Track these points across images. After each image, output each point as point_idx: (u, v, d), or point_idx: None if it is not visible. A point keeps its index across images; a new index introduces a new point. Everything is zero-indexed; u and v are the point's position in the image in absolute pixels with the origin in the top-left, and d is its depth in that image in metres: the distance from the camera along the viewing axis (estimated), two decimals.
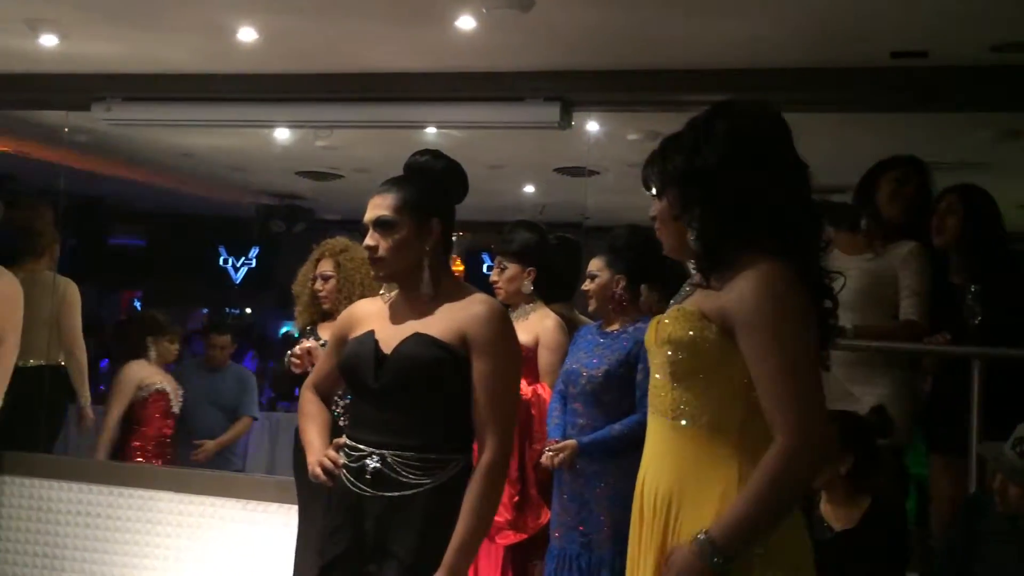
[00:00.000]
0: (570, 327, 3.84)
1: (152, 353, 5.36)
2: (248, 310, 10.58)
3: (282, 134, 6.18)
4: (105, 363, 8.17)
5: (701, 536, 1.93)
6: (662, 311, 2.19)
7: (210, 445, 5.52)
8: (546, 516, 3.60)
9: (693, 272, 2.15)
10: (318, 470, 2.47)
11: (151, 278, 9.87)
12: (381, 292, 2.65)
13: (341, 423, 3.31)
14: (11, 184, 6.83)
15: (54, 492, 4.75)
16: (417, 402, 2.41)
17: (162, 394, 5.26)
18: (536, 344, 3.75)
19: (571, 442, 3.42)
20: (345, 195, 7.75)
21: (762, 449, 1.93)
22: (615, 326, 3.55)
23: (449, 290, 2.50)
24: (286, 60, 4.82)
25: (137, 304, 10.48)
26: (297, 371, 3.62)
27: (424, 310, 2.48)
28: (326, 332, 3.69)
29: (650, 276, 3.55)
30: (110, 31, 4.57)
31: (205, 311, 9.85)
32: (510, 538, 3.63)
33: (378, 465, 2.39)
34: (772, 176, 2.03)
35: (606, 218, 5.82)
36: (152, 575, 4.58)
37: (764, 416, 1.94)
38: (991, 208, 3.71)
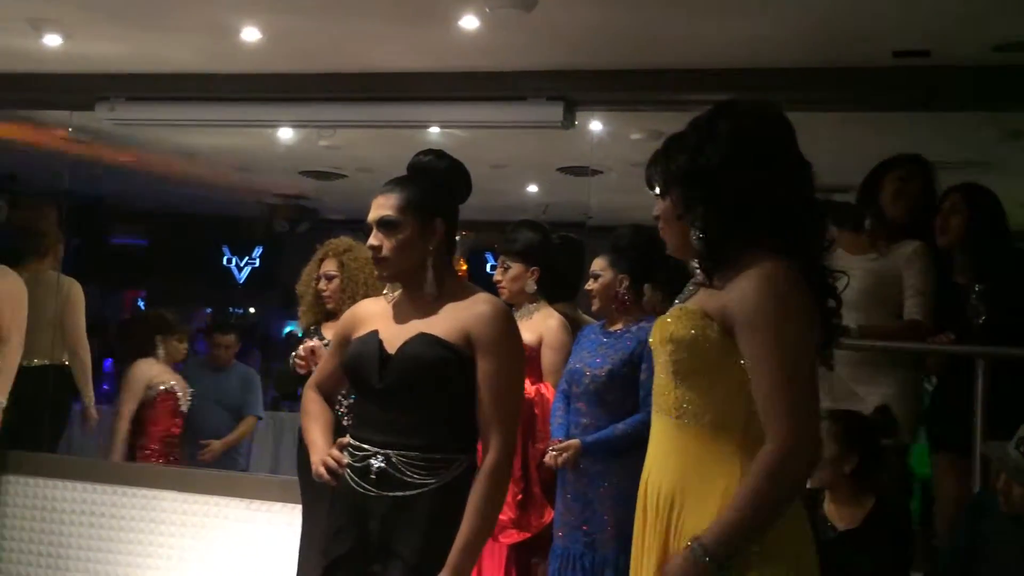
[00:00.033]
0: (573, 327, 3.84)
1: (161, 352, 5.35)
2: (251, 310, 10.58)
3: (285, 134, 6.18)
4: (108, 363, 8.18)
5: (694, 544, 1.93)
6: (665, 311, 2.20)
7: (217, 445, 5.53)
8: (549, 515, 3.60)
9: (696, 271, 2.15)
10: (322, 469, 2.47)
11: (154, 278, 9.88)
12: (384, 292, 2.65)
13: (345, 423, 3.31)
14: (14, 184, 6.84)
15: (58, 491, 4.75)
16: (421, 402, 2.41)
17: (171, 393, 5.25)
18: (539, 344, 3.75)
19: (574, 441, 3.42)
20: (348, 195, 7.75)
21: None
22: (618, 325, 3.55)
23: (453, 290, 2.51)
24: (290, 60, 4.83)
25: (141, 304, 10.49)
26: (302, 371, 3.62)
27: (428, 310, 2.48)
28: (330, 332, 3.69)
29: (653, 275, 3.55)
30: (114, 31, 4.58)
31: (208, 311, 9.85)
32: (513, 537, 3.64)
33: (382, 465, 2.40)
34: (775, 175, 2.03)
35: (609, 218, 5.82)
36: (156, 574, 4.58)
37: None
38: (995, 207, 3.70)
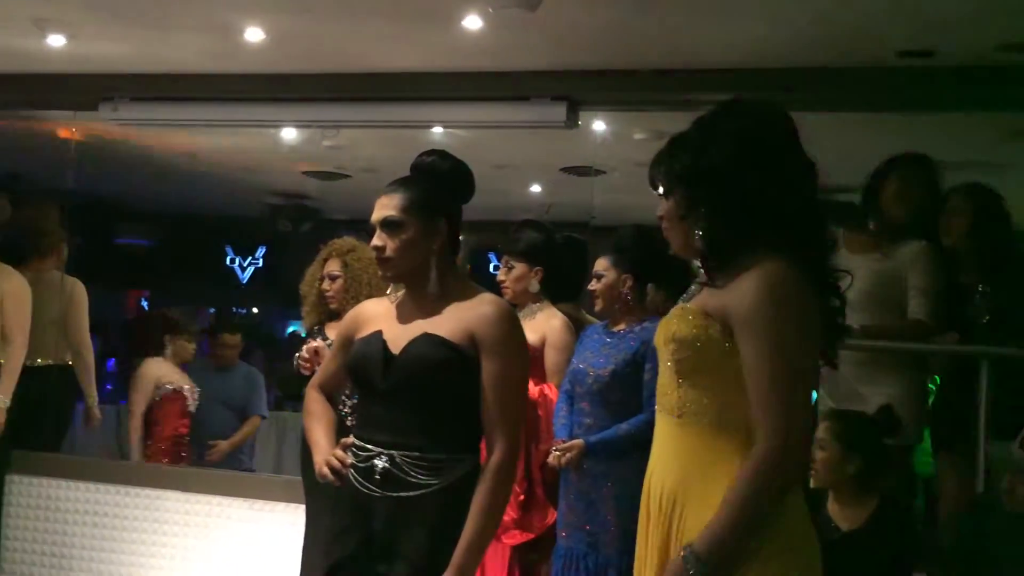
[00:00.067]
0: (577, 327, 3.83)
1: (169, 351, 5.35)
2: (254, 310, 10.59)
3: (289, 134, 6.19)
4: (111, 363, 8.18)
5: (686, 552, 1.93)
6: (668, 311, 2.20)
7: (223, 445, 5.53)
8: (552, 517, 3.60)
9: (700, 271, 2.15)
10: (325, 470, 2.47)
11: (158, 278, 9.88)
12: (388, 292, 2.65)
13: (349, 423, 3.31)
14: (18, 184, 6.84)
15: (62, 491, 4.76)
16: (425, 402, 2.41)
17: (178, 393, 5.25)
18: (543, 344, 3.75)
19: (578, 442, 3.41)
20: (352, 195, 7.75)
21: None
22: (621, 326, 3.55)
23: (457, 290, 2.51)
24: (293, 60, 4.83)
25: (144, 304, 10.50)
26: (306, 372, 3.62)
27: (432, 310, 2.48)
28: (333, 332, 3.69)
29: (656, 275, 3.54)
30: (118, 31, 4.58)
31: (212, 311, 9.86)
32: (517, 538, 3.63)
33: (387, 465, 2.40)
34: (779, 175, 2.03)
35: (613, 218, 5.82)
36: (159, 574, 4.59)
37: None
38: (999, 207, 3.70)
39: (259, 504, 4.47)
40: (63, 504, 4.75)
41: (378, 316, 2.56)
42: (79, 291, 5.16)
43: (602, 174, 6.26)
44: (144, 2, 4.21)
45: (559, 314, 3.84)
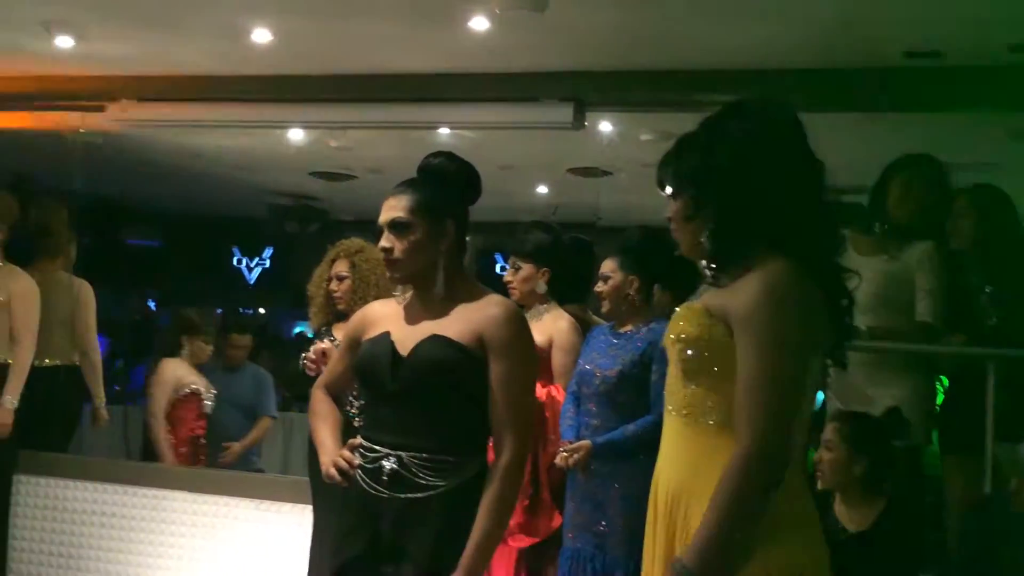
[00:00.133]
0: (584, 328, 3.83)
1: (186, 352, 5.34)
2: (261, 310, 10.61)
3: (296, 135, 6.20)
4: (118, 364, 8.20)
5: (676, 565, 1.93)
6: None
7: (236, 447, 5.53)
8: (558, 520, 3.59)
9: (707, 272, 2.15)
10: (332, 470, 2.47)
11: (165, 279, 9.91)
12: (395, 294, 2.65)
13: (356, 423, 3.31)
14: (27, 184, 6.86)
15: (69, 491, 4.76)
16: (434, 403, 2.41)
17: (195, 395, 5.23)
18: (550, 345, 3.74)
19: (585, 443, 3.41)
20: (359, 195, 7.76)
21: None
22: (628, 327, 3.55)
23: (464, 291, 2.50)
24: (300, 61, 4.84)
25: (151, 305, 10.52)
26: (311, 373, 3.62)
27: (439, 311, 2.48)
28: (341, 332, 3.69)
29: (663, 277, 3.54)
30: (125, 32, 4.60)
31: (219, 311, 9.89)
32: (523, 541, 3.63)
33: (394, 466, 2.40)
34: (786, 175, 2.03)
35: (619, 218, 5.83)
36: (166, 574, 4.59)
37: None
38: (1007, 209, 3.69)
39: (266, 504, 4.47)
40: (70, 504, 4.76)
41: (386, 317, 2.56)
42: (86, 292, 5.16)
43: (609, 175, 6.27)
44: (152, 4, 4.22)
45: (566, 315, 3.83)
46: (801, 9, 3.84)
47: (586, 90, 4.76)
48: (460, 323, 2.44)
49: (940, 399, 3.86)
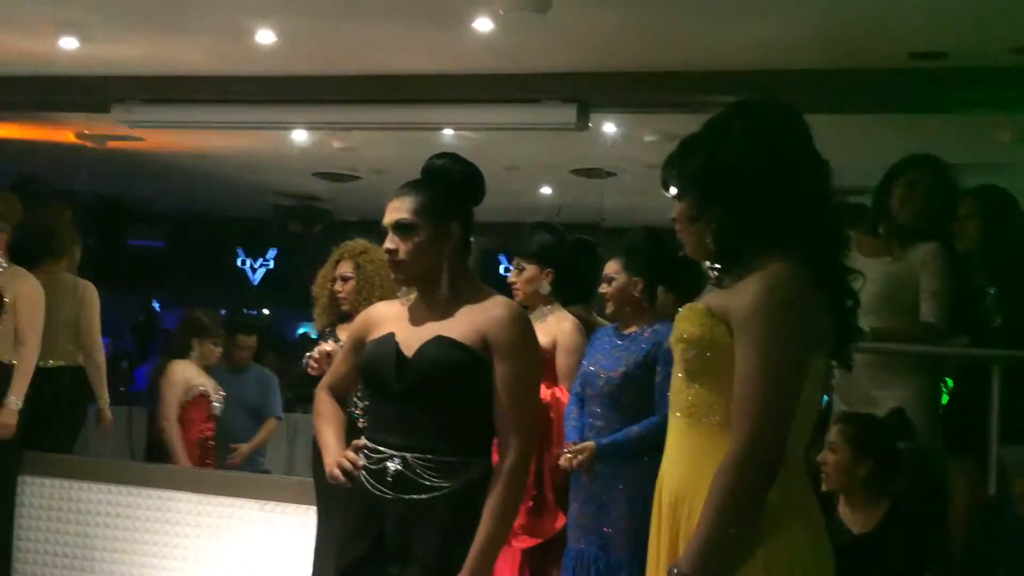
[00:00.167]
0: (588, 329, 3.82)
1: (195, 354, 5.33)
2: (265, 311, 10.62)
3: (300, 135, 6.21)
4: (123, 365, 8.21)
5: (674, 570, 1.92)
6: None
7: (244, 449, 5.53)
8: (562, 521, 3.59)
9: (711, 273, 2.15)
10: (336, 471, 2.47)
11: (169, 279, 9.92)
12: (399, 295, 2.65)
13: (360, 424, 3.31)
14: (32, 186, 6.87)
15: (74, 492, 4.77)
16: (438, 404, 2.41)
17: (204, 397, 5.23)
18: (554, 347, 3.74)
19: (589, 444, 3.41)
20: (363, 196, 7.78)
21: None
22: (633, 328, 3.54)
23: (469, 293, 2.51)
24: (304, 62, 4.84)
25: (156, 306, 10.54)
26: (314, 373, 3.62)
27: (444, 313, 2.48)
28: (345, 333, 3.69)
29: (667, 278, 3.54)
30: (129, 34, 4.61)
31: (223, 312, 9.90)
32: (527, 541, 3.63)
33: (399, 467, 2.40)
34: (790, 176, 2.03)
35: (623, 219, 5.84)
36: (171, 575, 4.60)
37: None
38: (1012, 210, 3.68)
39: (271, 505, 4.47)
40: (75, 505, 4.76)
41: (390, 318, 2.56)
42: (91, 293, 5.17)
43: (612, 176, 6.27)
44: (156, 5, 4.23)
45: (570, 316, 3.83)
46: (804, 10, 3.84)
47: (590, 91, 4.76)
48: (464, 324, 2.44)
49: (944, 400, 3.86)
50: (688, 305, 2.13)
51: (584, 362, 3.60)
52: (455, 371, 2.40)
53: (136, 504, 4.67)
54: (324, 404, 2.68)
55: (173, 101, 5.22)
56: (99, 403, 5.19)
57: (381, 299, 3.17)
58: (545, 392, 3.66)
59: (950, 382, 3.86)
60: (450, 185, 2.53)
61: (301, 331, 9.68)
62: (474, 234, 2.58)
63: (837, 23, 3.93)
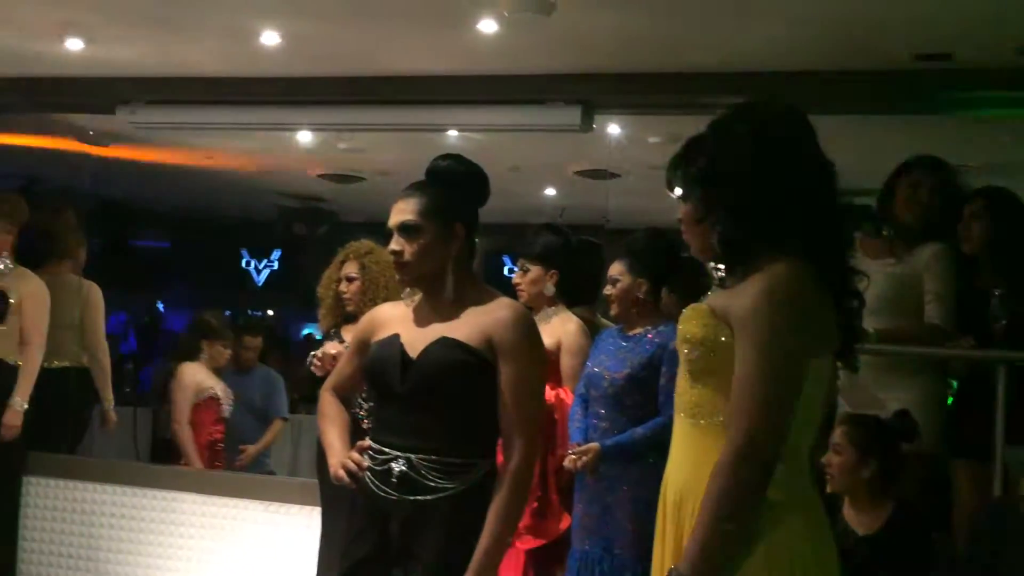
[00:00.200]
0: (592, 331, 3.82)
1: (205, 356, 5.33)
2: (270, 312, 10.63)
3: (304, 137, 6.21)
4: (128, 367, 8.20)
5: (674, 573, 1.92)
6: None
7: (252, 450, 5.53)
8: (567, 522, 3.59)
9: (716, 274, 2.15)
10: (341, 472, 2.47)
11: (173, 280, 9.93)
12: (403, 296, 2.65)
13: (365, 425, 3.31)
14: (36, 187, 6.89)
15: (78, 493, 4.78)
16: (443, 406, 2.41)
17: (214, 399, 5.23)
18: (558, 348, 3.73)
19: (594, 445, 3.41)
20: (367, 197, 7.78)
21: None
22: (637, 329, 3.54)
23: (474, 294, 2.51)
24: (308, 63, 4.85)
25: (160, 307, 10.54)
26: (318, 374, 3.63)
27: (449, 314, 2.48)
28: (350, 334, 3.70)
29: (671, 279, 3.54)
30: (135, 35, 4.62)
31: (228, 313, 9.91)
32: (531, 543, 3.63)
33: (404, 468, 2.40)
34: (795, 176, 2.02)
35: (627, 221, 5.83)
36: None
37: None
38: (1018, 211, 3.67)
39: (275, 506, 4.47)
40: (80, 506, 4.77)
41: (395, 319, 2.56)
42: (95, 294, 5.18)
43: (616, 177, 6.27)
44: (161, 7, 4.23)
45: (574, 318, 3.83)
46: (809, 11, 3.84)
47: (594, 92, 4.77)
48: (469, 326, 2.44)
49: (949, 402, 3.85)
50: (692, 306, 2.13)
51: (588, 363, 3.60)
52: (460, 372, 2.40)
53: (141, 505, 4.67)
54: (329, 405, 2.68)
55: (178, 102, 5.23)
56: (104, 404, 5.21)
57: (386, 300, 3.17)
58: (549, 393, 3.65)
59: (955, 383, 3.86)
60: (454, 186, 2.53)
61: (306, 332, 9.69)
62: (478, 235, 2.58)
63: (841, 24, 3.93)
